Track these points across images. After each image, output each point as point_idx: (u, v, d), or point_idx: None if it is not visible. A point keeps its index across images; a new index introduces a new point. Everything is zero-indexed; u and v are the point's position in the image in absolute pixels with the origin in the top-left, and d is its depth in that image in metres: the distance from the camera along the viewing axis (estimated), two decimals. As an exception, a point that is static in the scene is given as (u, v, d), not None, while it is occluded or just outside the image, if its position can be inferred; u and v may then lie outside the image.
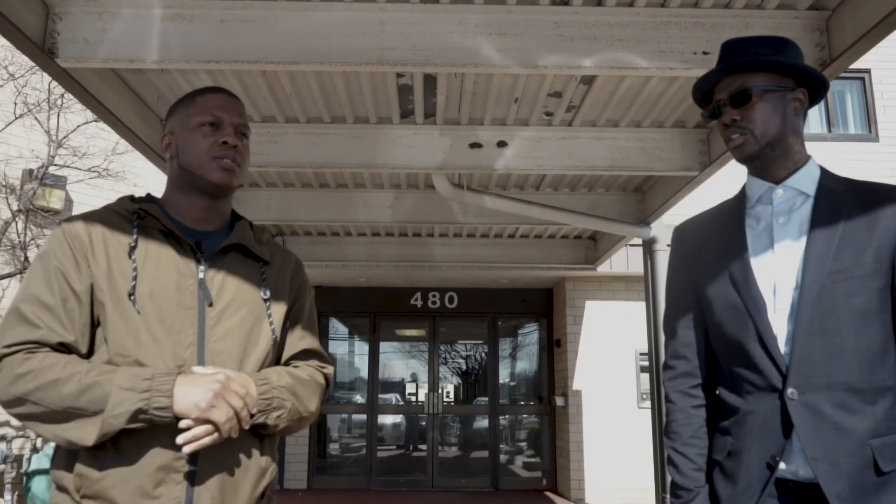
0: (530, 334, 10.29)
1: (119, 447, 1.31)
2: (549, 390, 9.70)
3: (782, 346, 1.46)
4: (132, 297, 1.37)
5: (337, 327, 10.43)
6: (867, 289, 1.42)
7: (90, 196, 8.64)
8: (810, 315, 1.43)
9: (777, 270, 1.50)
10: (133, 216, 1.46)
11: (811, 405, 1.41)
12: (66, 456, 1.34)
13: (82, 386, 1.28)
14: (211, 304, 1.43)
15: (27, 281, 1.38)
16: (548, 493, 9.18)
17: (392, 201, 6.05)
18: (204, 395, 1.30)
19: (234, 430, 1.34)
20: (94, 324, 1.38)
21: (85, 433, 1.27)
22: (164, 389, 1.29)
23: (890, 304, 1.43)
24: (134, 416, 1.28)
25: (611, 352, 8.80)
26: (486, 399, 9.93)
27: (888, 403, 1.41)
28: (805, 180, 1.54)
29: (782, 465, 1.44)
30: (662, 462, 5.29)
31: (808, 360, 1.42)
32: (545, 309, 9.91)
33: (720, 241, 1.60)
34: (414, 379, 10.26)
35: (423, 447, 9.83)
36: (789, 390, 1.43)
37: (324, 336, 10.14)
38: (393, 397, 10.20)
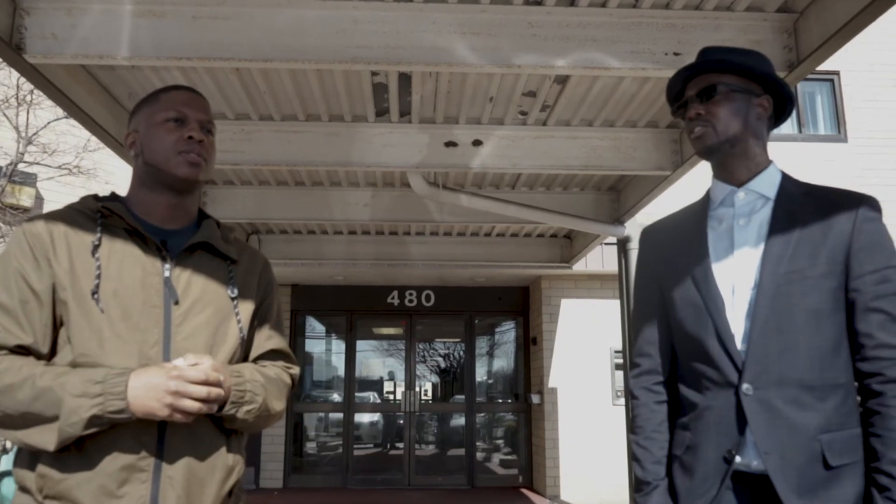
0: (506, 332, 10.33)
1: (82, 448, 1.30)
2: (525, 388, 9.74)
3: (739, 343, 1.50)
4: (95, 296, 1.36)
5: (313, 326, 10.38)
6: (821, 289, 1.46)
7: (61, 193, 8.52)
8: (767, 314, 1.48)
9: (736, 270, 1.55)
10: (97, 215, 1.44)
11: (764, 401, 1.45)
12: (29, 455, 1.33)
13: (36, 390, 1.27)
14: (177, 303, 1.42)
15: None
16: (524, 491, 9.23)
17: (368, 199, 6.03)
18: (160, 405, 1.29)
19: (211, 409, 1.34)
20: (58, 324, 1.37)
21: (45, 439, 1.27)
22: (117, 392, 1.28)
23: (844, 304, 1.48)
24: (90, 423, 1.27)
25: (586, 349, 8.86)
26: (463, 397, 9.95)
27: (838, 400, 1.45)
28: (766, 184, 1.59)
29: (737, 459, 1.48)
30: (636, 458, 5.34)
31: (763, 356, 1.47)
32: (521, 307, 9.95)
33: (683, 242, 1.66)
34: (391, 377, 10.25)
35: (400, 445, 9.83)
36: (744, 386, 1.47)
37: (300, 334, 10.08)
38: (370, 396, 10.18)
